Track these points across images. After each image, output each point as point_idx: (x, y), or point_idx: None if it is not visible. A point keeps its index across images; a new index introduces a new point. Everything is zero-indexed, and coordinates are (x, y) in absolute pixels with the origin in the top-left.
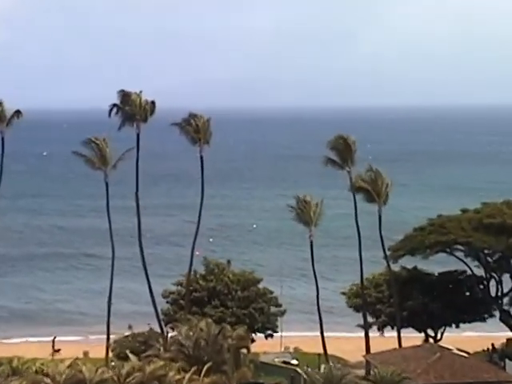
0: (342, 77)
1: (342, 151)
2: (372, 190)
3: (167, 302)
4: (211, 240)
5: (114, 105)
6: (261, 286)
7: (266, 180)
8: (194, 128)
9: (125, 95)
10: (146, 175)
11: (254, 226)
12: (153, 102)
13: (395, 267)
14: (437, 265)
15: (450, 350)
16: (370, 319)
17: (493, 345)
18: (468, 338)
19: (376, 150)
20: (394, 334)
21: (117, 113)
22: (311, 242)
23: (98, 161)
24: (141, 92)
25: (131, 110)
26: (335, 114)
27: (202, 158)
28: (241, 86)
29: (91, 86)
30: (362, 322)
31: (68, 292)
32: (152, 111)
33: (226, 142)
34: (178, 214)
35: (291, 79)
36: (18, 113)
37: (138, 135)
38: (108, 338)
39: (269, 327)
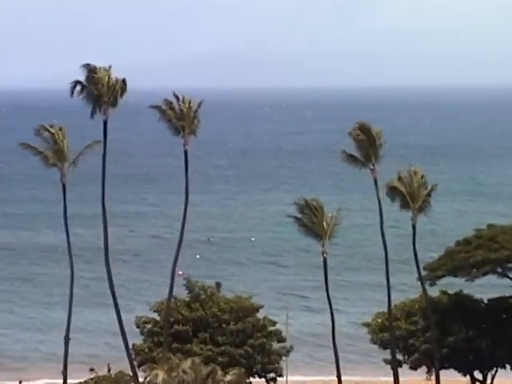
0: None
1: (365, 144)
2: (406, 194)
3: (141, 334)
4: (198, 257)
5: (77, 82)
6: (260, 315)
7: (265, 181)
8: (178, 114)
9: (90, 71)
10: (115, 175)
11: (252, 239)
12: (124, 81)
13: (433, 291)
14: (486, 289)
15: None
16: (399, 358)
17: None
18: None
19: (399, 142)
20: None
21: (81, 92)
22: (325, 260)
23: (52, 155)
24: (110, 67)
25: (97, 89)
26: (342, 96)
27: (186, 152)
28: (224, 63)
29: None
30: (389, 362)
31: (7, 325)
32: (122, 92)
33: (214, 131)
34: (154, 224)
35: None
36: None
37: (105, 123)
38: None
39: (271, 369)
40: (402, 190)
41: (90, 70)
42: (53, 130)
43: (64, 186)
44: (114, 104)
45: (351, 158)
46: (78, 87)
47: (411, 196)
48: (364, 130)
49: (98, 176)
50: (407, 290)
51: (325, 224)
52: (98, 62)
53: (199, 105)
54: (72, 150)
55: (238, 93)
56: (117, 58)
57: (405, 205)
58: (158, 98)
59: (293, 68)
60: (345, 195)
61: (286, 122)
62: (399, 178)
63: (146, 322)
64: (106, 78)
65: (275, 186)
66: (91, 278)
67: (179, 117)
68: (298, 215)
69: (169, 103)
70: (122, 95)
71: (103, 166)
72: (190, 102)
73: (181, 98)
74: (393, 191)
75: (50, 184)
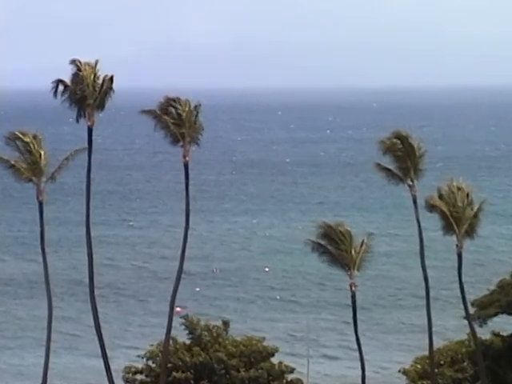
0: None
1: (401, 156)
2: (449, 214)
3: None
4: (198, 290)
5: (59, 81)
6: (275, 360)
7: (276, 199)
8: (175, 119)
9: (78, 69)
10: (94, 191)
11: (266, 269)
12: (111, 79)
13: (483, 333)
14: None
15: None
16: None
17: None
18: None
19: (435, 152)
20: None
21: (64, 92)
22: (353, 295)
23: (26, 168)
24: (97, 63)
25: (81, 90)
26: (347, 96)
27: (186, 165)
28: (215, 59)
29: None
30: None
31: None
32: (108, 93)
33: (213, 138)
34: (140, 252)
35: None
36: None
37: (89, 129)
38: None
39: None
40: (445, 209)
41: (78, 68)
42: (26, 139)
43: (41, 204)
44: (101, 107)
45: (387, 172)
46: (61, 87)
47: (455, 218)
48: (401, 138)
49: (74, 191)
50: (452, 331)
51: (353, 252)
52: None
53: (199, 108)
54: (50, 161)
55: (240, 93)
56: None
57: (447, 228)
58: (139, 98)
59: (303, 64)
60: (368, 216)
61: (300, 127)
62: (440, 196)
63: (137, 372)
64: (92, 76)
65: (287, 206)
66: (67, 316)
67: (178, 122)
68: (321, 241)
69: (164, 107)
70: (107, 97)
71: (87, 182)
72: (189, 105)
73: (178, 100)
74: (432, 210)
75: (16, 201)
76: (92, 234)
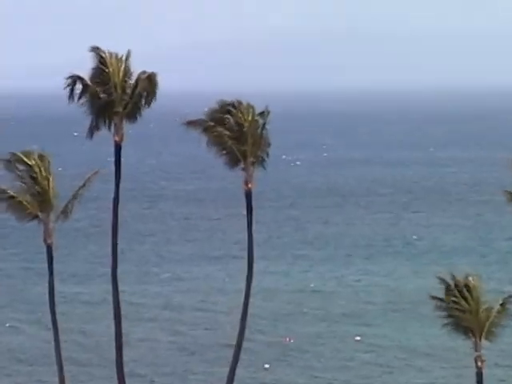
0: None
1: None
2: None
3: None
4: (267, 367)
5: (76, 78)
6: None
7: (371, 238)
8: (234, 132)
9: (101, 58)
10: (126, 230)
11: (357, 338)
12: (150, 78)
13: None
14: None
15: None
16: None
17: None
18: None
19: None
20: None
21: (82, 94)
22: (479, 373)
23: (31, 202)
24: (128, 55)
25: (105, 92)
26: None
27: (249, 194)
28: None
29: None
30: None
31: None
32: (150, 97)
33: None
34: (189, 313)
35: None
36: None
37: (117, 146)
38: None
39: None
40: None
41: (100, 57)
42: (30, 162)
43: (50, 248)
44: (133, 116)
45: None
46: (79, 86)
47: None
48: None
49: (88, 231)
50: None
51: (482, 314)
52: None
53: (267, 116)
54: (60, 191)
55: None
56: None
57: None
58: (177, 103)
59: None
60: (502, 267)
61: (407, 142)
62: None
63: None
64: (121, 73)
65: (382, 249)
66: None
67: (237, 136)
68: (444, 299)
69: (218, 115)
70: (148, 102)
71: (114, 219)
72: (253, 112)
73: (238, 106)
74: None
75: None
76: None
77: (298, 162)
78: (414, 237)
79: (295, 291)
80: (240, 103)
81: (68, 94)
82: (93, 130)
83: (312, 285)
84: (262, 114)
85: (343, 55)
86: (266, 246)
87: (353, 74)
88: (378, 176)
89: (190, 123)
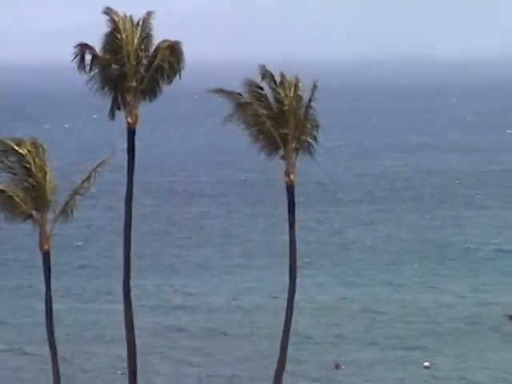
0: None
1: None
2: None
3: None
4: None
5: (84, 47)
6: None
7: (440, 244)
8: (271, 110)
9: (113, 22)
10: (139, 231)
11: (426, 363)
12: (173, 48)
13: None
14: None
15: None
16: None
17: None
18: None
19: None
20: None
21: (91, 68)
22: None
23: (23, 198)
24: (148, 17)
25: (118, 63)
26: None
27: (291, 188)
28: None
29: None
30: None
31: None
32: (174, 70)
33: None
34: (211, 335)
35: None
36: None
37: (130, 130)
38: None
39: None
40: None
41: (113, 21)
42: (22, 150)
43: (47, 255)
44: (151, 93)
45: None
46: (88, 56)
47: None
48: None
49: (96, 231)
50: None
51: None
52: None
53: (314, 91)
54: (60, 185)
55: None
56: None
57: None
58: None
59: None
60: None
61: (479, 123)
62: None
63: None
64: (135, 40)
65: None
66: None
67: (277, 117)
68: None
69: (252, 89)
70: (170, 78)
71: (127, 218)
72: (297, 84)
73: (280, 78)
74: None
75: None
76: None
77: (343, 149)
78: (476, 244)
79: (341, 307)
80: (283, 75)
81: (77, 64)
82: (114, 109)
83: (360, 299)
84: (309, 88)
85: None
86: (303, 251)
87: None
88: (436, 165)
89: (222, 93)
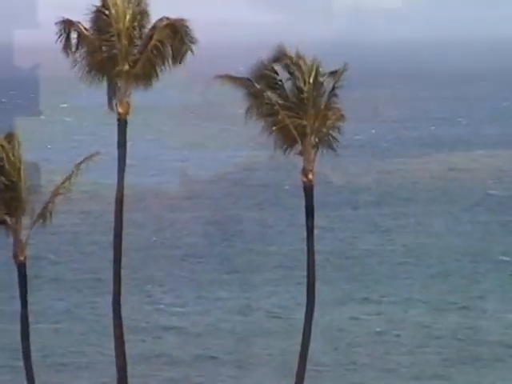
0: None
1: None
2: None
3: None
4: None
5: (67, 25)
6: None
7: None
8: (286, 97)
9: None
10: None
11: None
12: (171, 26)
13: None
14: None
15: None
16: None
17: None
18: None
19: None
20: None
21: (77, 48)
22: None
23: None
24: None
25: (107, 44)
26: None
27: (309, 189)
28: None
29: None
30: None
31: None
32: (179, 55)
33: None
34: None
35: None
36: None
37: (121, 121)
38: None
39: None
40: None
41: None
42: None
43: (22, 268)
44: (146, 79)
45: None
46: (73, 35)
47: None
48: None
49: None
50: None
51: None
52: None
53: (341, 74)
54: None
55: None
56: None
57: None
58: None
59: None
60: None
61: None
62: None
63: None
64: (127, 16)
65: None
66: None
67: (291, 105)
68: None
69: (264, 73)
70: (173, 60)
71: (118, 226)
72: (317, 70)
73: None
74: None
75: None
76: None
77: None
78: None
79: (354, 329)
80: (300, 57)
81: (62, 44)
82: (111, 97)
83: (375, 319)
84: (333, 73)
85: None
86: (322, 264)
87: None
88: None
89: (230, 79)
